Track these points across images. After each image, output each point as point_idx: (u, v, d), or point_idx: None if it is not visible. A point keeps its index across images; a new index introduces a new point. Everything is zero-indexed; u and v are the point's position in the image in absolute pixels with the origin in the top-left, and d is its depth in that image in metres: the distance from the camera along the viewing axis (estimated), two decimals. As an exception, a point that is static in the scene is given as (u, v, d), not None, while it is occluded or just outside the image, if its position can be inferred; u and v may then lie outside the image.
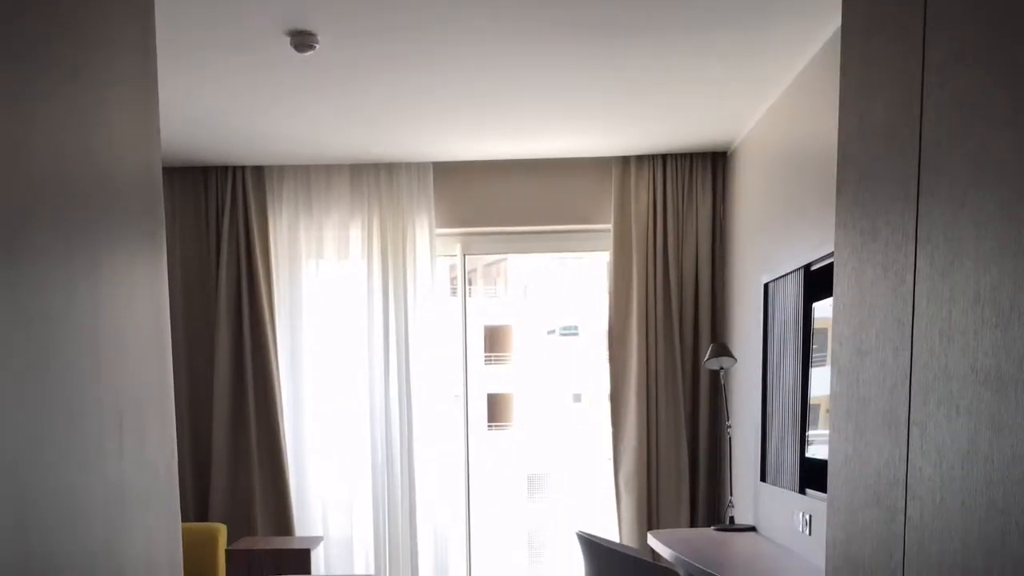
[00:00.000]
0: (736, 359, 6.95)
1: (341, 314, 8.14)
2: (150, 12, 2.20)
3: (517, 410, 14.64)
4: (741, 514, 7.05)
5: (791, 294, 5.79)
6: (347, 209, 7.98)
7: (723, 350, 6.88)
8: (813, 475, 5.45)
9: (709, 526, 7.53)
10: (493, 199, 8.03)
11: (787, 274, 5.87)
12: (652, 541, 6.47)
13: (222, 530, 7.25)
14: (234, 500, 7.97)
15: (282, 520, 7.95)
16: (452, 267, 8.54)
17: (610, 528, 8.07)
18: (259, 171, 7.93)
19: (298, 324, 8.09)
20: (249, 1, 4.66)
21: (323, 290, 8.16)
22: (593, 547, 6.01)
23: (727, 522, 7.08)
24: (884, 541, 1.95)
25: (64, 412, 1.68)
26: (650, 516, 7.90)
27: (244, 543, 7.26)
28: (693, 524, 7.89)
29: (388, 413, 8.04)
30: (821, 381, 5.34)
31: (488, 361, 14.12)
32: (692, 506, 7.93)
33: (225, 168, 7.89)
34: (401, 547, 8.08)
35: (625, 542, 7.85)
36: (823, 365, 5.28)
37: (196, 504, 8.05)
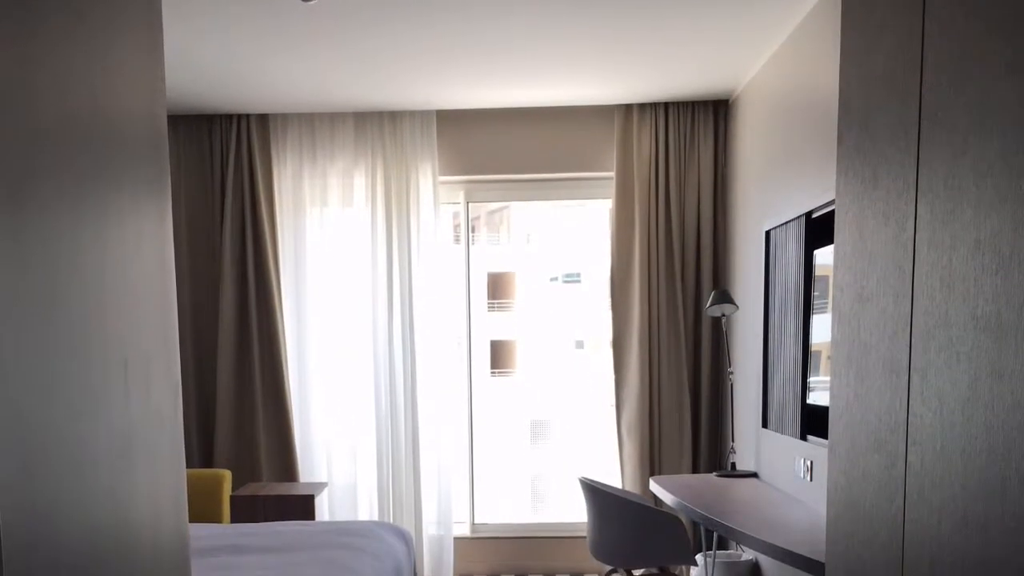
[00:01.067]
0: (738, 306, 6.96)
1: (345, 261, 8.16)
2: (154, -41, 2.19)
3: (520, 356, 14.64)
4: (743, 460, 7.08)
5: (792, 241, 5.79)
6: (351, 157, 7.99)
7: (725, 297, 6.88)
8: (814, 421, 5.47)
9: (711, 472, 7.56)
10: (496, 147, 8.03)
11: (789, 221, 5.87)
12: (654, 487, 6.50)
13: (227, 476, 7.29)
14: (239, 447, 8.01)
15: (286, 466, 7.99)
16: (455, 214, 8.55)
17: (612, 474, 8.11)
18: (264, 119, 7.93)
19: (302, 271, 8.10)
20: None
21: (327, 237, 8.17)
22: (596, 493, 6.04)
23: (729, 468, 7.11)
24: (885, 487, 1.96)
25: (69, 359, 1.68)
26: (652, 462, 7.93)
27: (248, 489, 7.30)
28: (695, 470, 7.93)
29: (392, 360, 8.07)
30: (822, 328, 5.35)
31: (491, 308, 14.11)
32: (694, 452, 7.97)
33: (230, 116, 7.89)
34: (404, 493, 8.13)
35: (627, 488, 7.89)
36: (824, 312, 5.29)
37: (201, 451, 8.10)
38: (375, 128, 7.93)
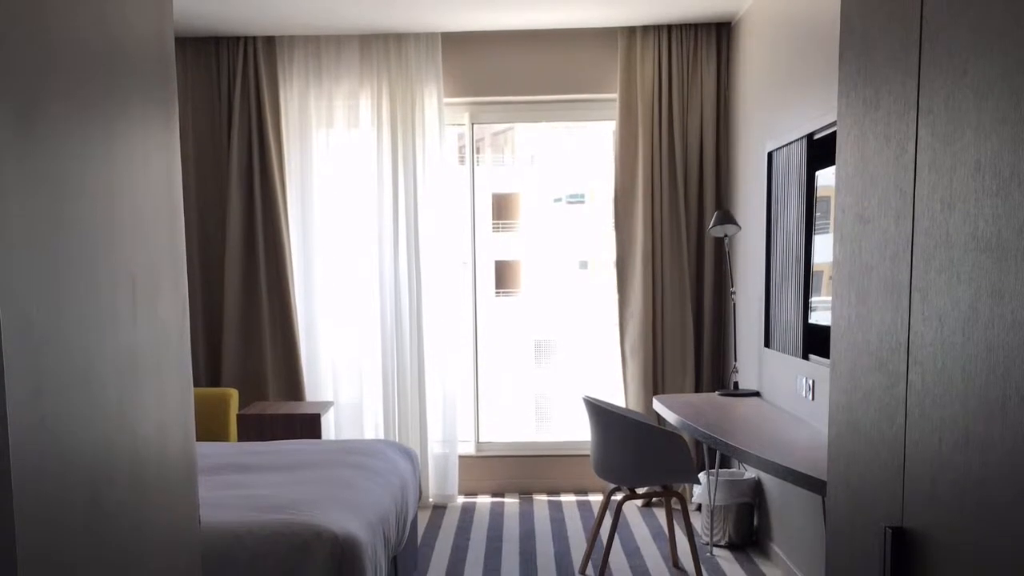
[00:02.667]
0: (740, 226, 6.97)
1: (351, 183, 8.16)
2: None
3: (524, 277, 14.67)
4: (745, 379, 7.12)
5: (795, 162, 5.79)
6: (357, 79, 7.99)
7: (727, 217, 6.88)
8: (816, 341, 5.50)
9: (713, 391, 7.61)
10: (501, 69, 8.02)
11: (791, 142, 5.86)
12: (657, 406, 6.53)
13: (234, 395, 7.35)
14: (246, 366, 8.07)
15: (293, 386, 8.05)
16: (460, 136, 8.55)
17: (616, 393, 8.15)
18: (270, 41, 7.92)
19: (308, 192, 8.12)
20: None
21: (333, 159, 8.19)
22: (599, 412, 6.08)
23: (731, 387, 7.15)
24: (886, 406, 1.98)
25: (78, 277, 1.70)
26: (655, 381, 7.98)
27: (255, 408, 7.35)
28: (698, 389, 7.97)
29: (397, 280, 8.10)
30: (824, 248, 5.36)
31: (496, 228, 14.12)
32: (697, 371, 8.01)
33: (237, 38, 7.89)
34: (410, 411, 8.19)
35: (630, 407, 7.94)
36: (826, 232, 5.30)
37: (208, 370, 8.15)
38: (380, 51, 7.92)
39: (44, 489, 1.55)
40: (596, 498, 8.34)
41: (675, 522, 7.15)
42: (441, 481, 8.32)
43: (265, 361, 8.04)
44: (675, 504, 7.57)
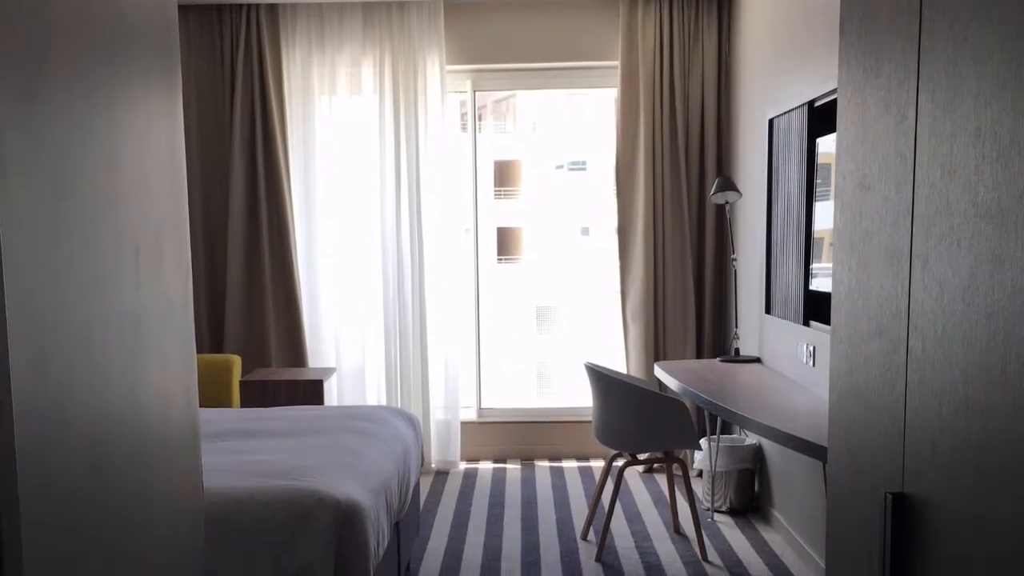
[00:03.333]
0: (741, 193, 6.97)
1: (353, 150, 8.17)
2: None
3: (526, 244, 14.68)
4: (746, 346, 7.13)
5: (795, 129, 5.79)
6: (359, 47, 7.99)
7: (729, 184, 6.88)
8: (817, 307, 5.51)
9: (715, 357, 7.62)
10: (503, 36, 8.01)
11: (792, 110, 5.86)
12: (659, 372, 6.55)
13: (237, 361, 7.36)
14: (248, 333, 8.08)
15: (295, 352, 8.06)
16: (462, 103, 8.54)
17: (618, 359, 8.17)
18: (273, 9, 7.91)
19: (311, 160, 8.13)
20: None
21: (335, 126, 8.18)
22: (601, 378, 6.09)
23: (732, 353, 7.16)
24: (887, 372, 1.98)
25: (81, 244, 1.70)
26: (657, 348, 7.99)
27: (258, 374, 7.36)
28: (699, 355, 7.99)
29: (400, 247, 8.10)
30: (825, 215, 5.36)
31: (498, 195, 14.13)
32: (698, 338, 8.03)
33: (239, 6, 7.88)
34: (412, 378, 8.21)
35: (632, 373, 7.95)
36: (827, 199, 5.30)
37: (211, 337, 8.17)
38: (383, 18, 7.91)
39: (47, 455, 1.56)
40: (598, 464, 8.37)
41: (676, 488, 7.17)
42: (443, 447, 8.35)
43: (268, 327, 8.06)
44: (676, 470, 7.59)
